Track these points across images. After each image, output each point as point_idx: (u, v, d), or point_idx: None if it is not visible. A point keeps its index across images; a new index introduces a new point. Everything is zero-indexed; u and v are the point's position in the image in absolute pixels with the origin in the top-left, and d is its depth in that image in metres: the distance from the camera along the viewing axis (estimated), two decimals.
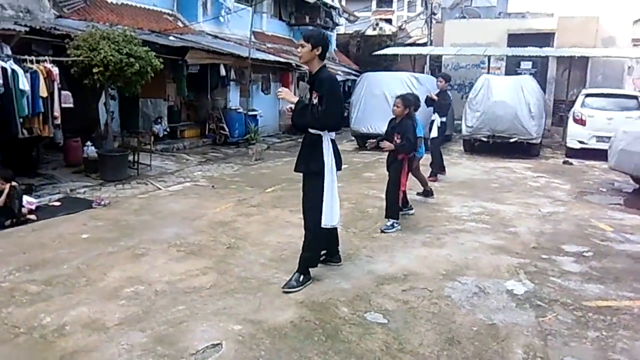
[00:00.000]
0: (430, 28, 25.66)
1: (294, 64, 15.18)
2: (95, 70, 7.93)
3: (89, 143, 9.22)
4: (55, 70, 7.43)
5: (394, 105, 5.94)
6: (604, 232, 6.07)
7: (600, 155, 11.79)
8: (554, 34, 16.74)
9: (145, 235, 5.50)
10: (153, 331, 3.43)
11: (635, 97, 11.97)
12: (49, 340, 3.29)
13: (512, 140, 11.79)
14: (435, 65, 24.99)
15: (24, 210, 6.04)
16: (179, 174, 9.24)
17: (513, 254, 5.19)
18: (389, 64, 28.13)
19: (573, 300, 4.13)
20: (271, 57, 14.12)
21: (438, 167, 9.04)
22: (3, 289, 4.05)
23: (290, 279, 4.20)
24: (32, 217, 6.09)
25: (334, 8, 23.71)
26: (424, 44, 25.63)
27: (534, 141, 11.82)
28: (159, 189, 7.99)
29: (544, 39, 16.69)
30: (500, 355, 3.29)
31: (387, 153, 6.13)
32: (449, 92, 9.31)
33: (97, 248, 5.07)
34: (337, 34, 27.50)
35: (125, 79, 8.29)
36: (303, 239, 4.30)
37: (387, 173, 6.11)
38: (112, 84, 8.41)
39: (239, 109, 13.00)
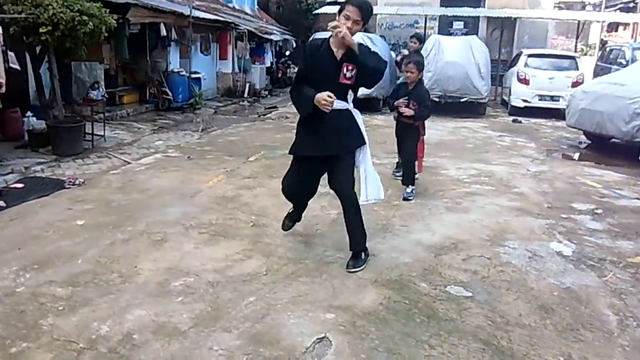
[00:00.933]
0: None
1: (232, 23, 14.28)
2: (42, 29, 6.84)
3: (29, 113, 8.11)
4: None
5: (408, 71, 5.64)
6: (596, 189, 6.36)
7: (542, 113, 12.47)
8: None
9: (150, 217, 4.90)
10: (240, 330, 3.03)
11: (572, 58, 12.65)
12: (123, 355, 2.78)
13: (462, 100, 12.03)
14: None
15: None
16: (139, 145, 8.40)
17: (535, 215, 5.27)
18: (310, 23, 27.70)
19: (618, 258, 4.26)
20: (211, 16, 13.15)
21: None
22: (23, 296, 3.39)
23: (356, 258, 3.90)
24: (0, 203, 5.21)
25: None
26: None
27: (482, 100, 12.15)
28: (128, 162, 7.19)
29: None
30: (597, 319, 3.29)
31: (393, 119, 5.98)
32: (422, 52, 9.20)
33: (103, 236, 4.43)
34: None
35: (76, 40, 7.26)
36: (350, 215, 3.83)
37: (393, 138, 5.95)
38: (59, 45, 7.33)
39: (181, 71, 12.05)
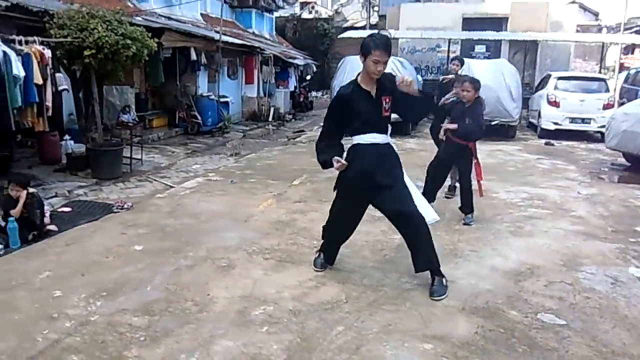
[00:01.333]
0: (369, 12, 25.68)
1: (258, 48, 14.35)
2: (86, 52, 6.85)
3: (67, 137, 8.07)
4: (48, 52, 6.30)
5: (464, 90, 5.49)
6: None
7: (572, 135, 12.33)
8: (507, 18, 17.24)
9: (209, 242, 4.77)
10: None
11: (603, 80, 12.57)
12: None
13: (493, 123, 11.88)
14: None
15: (45, 219, 5.03)
16: (177, 169, 8.34)
17: (602, 239, 5.09)
18: (326, 48, 27.96)
19: None
20: (239, 41, 13.22)
21: None
22: (99, 325, 3.24)
23: (436, 284, 3.73)
24: (53, 227, 5.10)
25: None
26: (363, 27, 25.63)
27: (513, 123, 12.05)
28: (170, 186, 7.10)
29: (498, 23, 17.14)
30: None
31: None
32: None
33: (166, 262, 4.29)
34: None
35: (118, 63, 7.26)
36: (422, 232, 3.71)
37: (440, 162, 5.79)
38: (100, 69, 7.32)
39: (210, 95, 12.06)
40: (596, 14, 23.42)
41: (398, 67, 11.94)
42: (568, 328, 3.31)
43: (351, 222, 4.06)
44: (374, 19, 27.26)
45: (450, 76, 8.23)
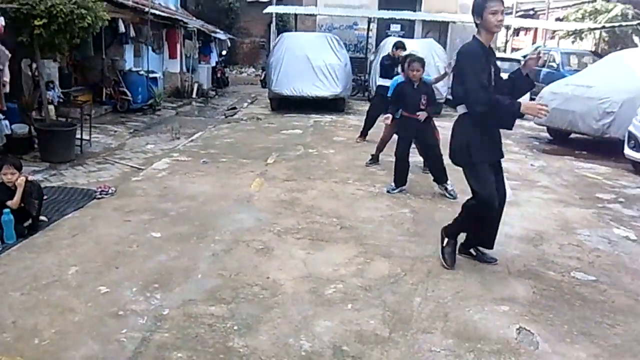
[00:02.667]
0: None
1: (181, 21, 13.64)
2: (37, 22, 6.15)
3: (0, 116, 7.20)
4: (1, 21, 5.56)
5: (414, 70, 5.68)
6: (600, 180, 6.98)
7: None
8: None
9: (228, 225, 4.63)
10: (439, 330, 3.02)
11: (517, 60, 13.63)
12: None
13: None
14: (280, 25, 24.94)
15: None
16: (131, 149, 7.83)
17: (578, 205, 5.70)
18: (231, 22, 27.20)
19: None
20: (164, 14, 12.47)
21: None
22: (179, 319, 3.07)
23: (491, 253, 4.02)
24: (43, 217, 4.62)
25: None
26: (269, 2, 25.26)
27: (441, 100, 12.73)
28: (138, 168, 6.67)
29: (412, 2, 17.84)
30: None
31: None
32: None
33: (197, 248, 4.12)
34: None
35: (71, 36, 6.60)
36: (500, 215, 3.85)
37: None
38: (48, 41, 6.60)
39: (139, 70, 11.31)
40: None
41: (335, 45, 12.07)
42: (600, 283, 3.76)
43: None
44: None
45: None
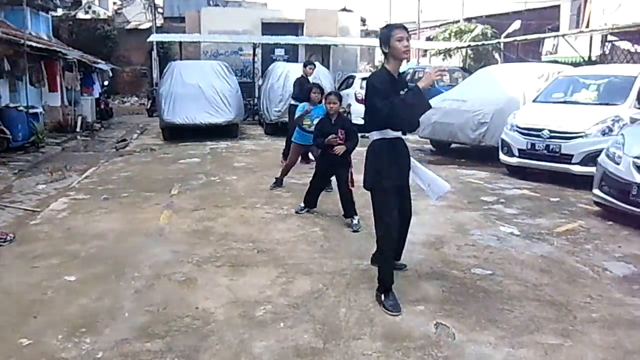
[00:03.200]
0: (154, 15, 24.92)
1: (60, 52, 12.97)
2: None
3: None
4: None
5: (330, 103, 5.67)
6: (481, 184, 7.81)
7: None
8: (302, 24, 18.67)
9: (145, 261, 4.57)
10: (368, 335, 3.30)
11: None
12: None
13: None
14: (162, 53, 24.55)
15: None
16: (20, 191, 7.32)
17: (467, 209, 6.34)
18: (109, 50, 26.18)
19: (548, 230, 5.51)
20: (41, 45, 11.79)
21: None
22: None
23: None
24: None
25: None
26: (148, 29, 24.77)
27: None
28: (33, 211, 6.29)
29: (294, 28, 18.48)
30: (579, 269, 4.37)
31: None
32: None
33: (117, 288, 4.05)
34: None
35: None
36: (405, 230, 4.15)
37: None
38: None
39: (18, 106, 10.58)
40: (363, 20, 26.82)
41: (225, 72, 12.21)
42: (496, 275, 4.28)
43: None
44: (159, 21, 26.55)
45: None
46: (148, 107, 18.93)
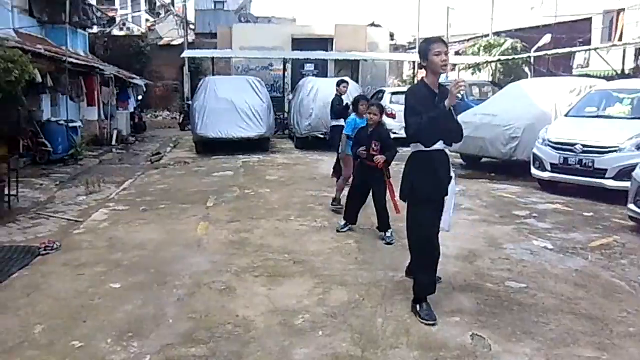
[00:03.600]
0: (186, 31, 25.57)
1: (98, 68, 13.48)
2: None
3: None
4: None
5: (371, 114, 5.66)
6: (513, 199, 7.79)
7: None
8: (332, 39, 18.94)
9: (185, 270, 4.74)
10: (413, 345, 3.37)
11: None
12: None
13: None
14: (193, 68, 25.15)
15: None
16: (63, 202, 7.62)
17: (499, 223, 6.38)
18: (142, 66, 26.89)
19: (582, 245, 5.49)
20: (81, 62, 12.29)
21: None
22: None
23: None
24: None
25: (90, 5, 21.32)
26: (180, 45, 25.44)
27: None
28: (76, 221, 6.56)
29: (324, 43, 18.76)
30: (614, 284, 4.35)
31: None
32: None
33: (160, 295, 4.22)
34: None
35: None
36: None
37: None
38: None
39: (59, 120, 11.02)
40: (392, 35, 27.00)
41: (258, 87, 12.47)
42: (530, 289, 4.31)
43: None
44: (191, 37, 27.24)
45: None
46: (180, 121, 19.38)
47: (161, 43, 27.15)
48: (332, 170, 9.03)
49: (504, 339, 3.43)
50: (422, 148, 3.75)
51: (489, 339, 3.42)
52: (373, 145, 5.63)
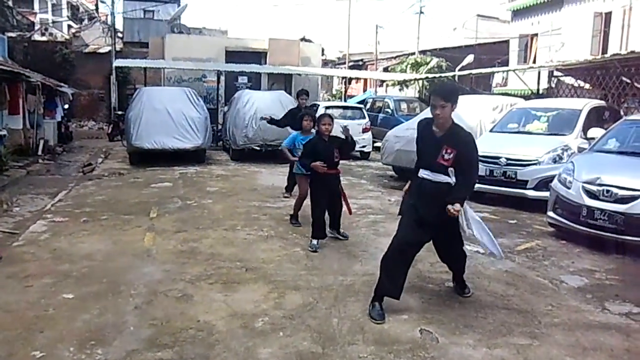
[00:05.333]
0: (114, 39, 24.89)
1: (24, 75, 12.89)
2: None
3: None
4: None
5: (325, 124, 5.87)
6: None
7: None
8: (266, 52, 19.16)
9: (138, 279, 4.77)
10: (368, 340, 3.64)
11: (359, 109, 15.30)
12: None
13: (280, 148, 13.37)
14: (121, 77, 24.50)
15: None
16: None
17: None
18: (66, 73, 25.80)
19: (509, 249, 6.03)
20: (6, 68, 11.72)
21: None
22: None
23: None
24: None
25: (8, 7, 20.27)
26: (107, 54, 24.72)
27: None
28: (12, 233, 6.33)
29: (257, 56, 18.93)
30: (540, 282, 4.88)
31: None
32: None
33: (116, 304, 4.25)
34: None
35: None
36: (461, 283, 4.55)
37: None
38: None
39: None
40: (322, 50, 27.65)
41: (194, 98, 12.46)
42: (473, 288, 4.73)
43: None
44: (119, 46, 26.49)
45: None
46: (109, 131, 18.80)
47: (87, 50, 26.15)
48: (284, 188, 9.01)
49: (449, 332, 3.79)
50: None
51: (435, 333, 3.77)
52: (335, 153, 5.87)
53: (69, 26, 37.95)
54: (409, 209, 4.23)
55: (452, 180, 4.04)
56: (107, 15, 27.43)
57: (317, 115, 6.64)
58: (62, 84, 17.02)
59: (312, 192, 6.07)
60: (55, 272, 4.93)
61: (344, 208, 6.16)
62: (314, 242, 5.86)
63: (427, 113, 12.02)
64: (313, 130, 6.65)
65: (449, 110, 3.94)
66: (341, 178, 6.21)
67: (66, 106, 18.22)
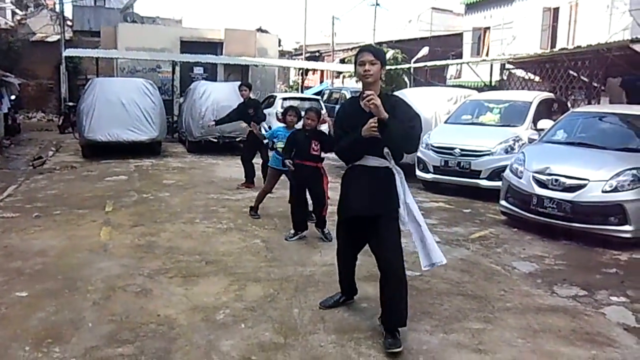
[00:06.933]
0: (63, 28, 23.98)
1: None
2: None
3: None
4: None
5: (309, 119, 5.75)
6: None
7: None
8: (222, 43, 18.88)
9: (95, 275, 4.67)
10: (330, 328, 3.71)
11: (317, 100, 15.34)
12: None
13: (238, 139, 13.25)
14: (71, 67, 23.69)
15: None
16: None
17: None
18: (12, 62, 24.73)
19: (464, 237, 6.26)
20: None
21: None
22: None
23: (394, 338, 3.50)
24: None
25: None
26: (56, 42, 23.83)
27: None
28: None
29: (213, 47, 18.65)
30: (492, 269, 5.08)
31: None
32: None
33: (72, 301, 4.16)
34: None
35: None
36: (388, 289, 3.69)
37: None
38: None
39: None
40: (279, 41, 27.50)
41: (149, 89, 12.18)
42: (424, 276, 4.80)
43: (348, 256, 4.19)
44: (68, 35, 25.54)
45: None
46: (60, 123, 18.17)
47: (34, 39, 25.12)
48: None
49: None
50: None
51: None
52: (313, 145, 5.74)
53: (13, 12, 36.31)
54: (347, 206, 3.91)
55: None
56: (55, 3, 26.41)
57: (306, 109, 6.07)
58: (7, 74, 16.28)
59: (291, 187, 6.17)
60: (6, 270, 4.77)
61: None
62: (290, 231, 5.96)
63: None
64: (297, 126, 6.40)
65: (378, 69, 3.45)
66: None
67: (13, 97, 17.43)
